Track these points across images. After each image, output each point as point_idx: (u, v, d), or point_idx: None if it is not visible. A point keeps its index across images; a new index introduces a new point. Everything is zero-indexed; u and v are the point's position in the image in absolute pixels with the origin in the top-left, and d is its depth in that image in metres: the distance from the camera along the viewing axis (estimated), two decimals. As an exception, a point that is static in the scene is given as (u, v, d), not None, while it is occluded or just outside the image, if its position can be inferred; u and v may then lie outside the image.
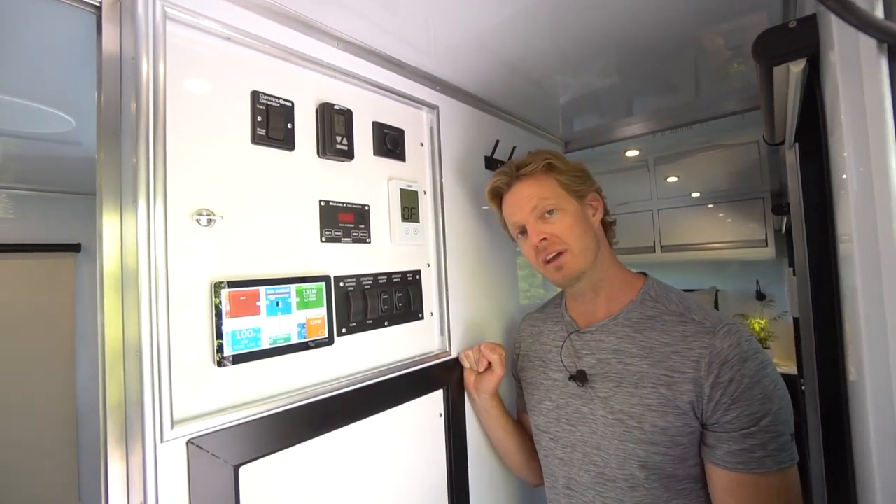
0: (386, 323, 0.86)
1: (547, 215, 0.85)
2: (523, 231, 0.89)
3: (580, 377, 0.84)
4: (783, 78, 0.59)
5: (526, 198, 0.87)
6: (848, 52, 0.38)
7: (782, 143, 0.99)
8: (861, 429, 0.47)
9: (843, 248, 0.50)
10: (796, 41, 0.51)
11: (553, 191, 0.86)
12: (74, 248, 1.88)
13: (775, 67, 0.55)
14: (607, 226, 0.93)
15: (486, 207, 1.16)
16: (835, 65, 0.41)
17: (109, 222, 0.53)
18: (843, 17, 0.31)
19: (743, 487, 0.68)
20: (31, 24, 0.65)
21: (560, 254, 0.83)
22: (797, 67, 0.53)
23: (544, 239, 0.84)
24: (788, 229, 1.81)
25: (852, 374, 0.51)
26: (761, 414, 0.68)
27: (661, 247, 2.79)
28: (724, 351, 0.71)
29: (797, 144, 0.93)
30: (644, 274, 0.91)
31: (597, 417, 0.81)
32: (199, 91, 0.63)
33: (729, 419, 0.69)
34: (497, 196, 0.94)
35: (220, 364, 0.61)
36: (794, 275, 1.13)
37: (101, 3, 0.55)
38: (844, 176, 0.43)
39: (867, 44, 0.34)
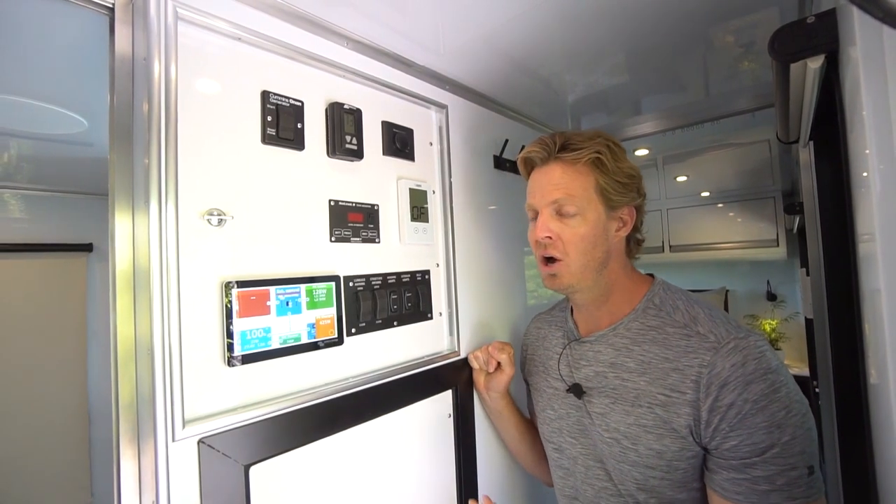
0: (395, 323, 0.85)
1: (564, 214, 0.77)
2: (536, 215, 0.81)
3: (575, 390, 0.80)
4: (800, 75, 0.58)
5: (552, 185, 0.77)
6: (870, 47, 0.37)
7: (796, 141, 0.97)
8: (883, 432, 0.46)
9: (864, 248, 0.49)
10: (814, 37, 0.50)
11: (584, 191, 0.75)
12: (86, 247, 1.90)
13: (792, 64, 0.54)
14: (631, 241, 0.83)
15: (493, 207, 1.16)
16: (856, 60, 0.40)
17: (122, 222, 0.53)
18: (866, 9, 0.30)
19: None
20: (44, 26, 0.66)
21: (557, 260, 0.77)
22: (815, 64, 0.52)
23: (548, 237, 0.77)
24: (801, 229, 1.79)
25: (873, 377, 0.50)
26: (766, 444, 0.60)
27: (671, 247, 2.77)
28: (726, 371, 0.63)
29: (812, 142, 0.91)
30: (652, 276, 0.84)
31: (595, 433, 0.77)
32: (210, 91, 0.63)
33: (728, 447, 0.62)
34: (528, 166, 0.85)
35: (230, 364, 0.61)
36: (808, 275, 1.12)
37: (113, 4, 0.55)
38: (865, 174, 0.42)
39: (892, 37, 0.34)
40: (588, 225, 0.75)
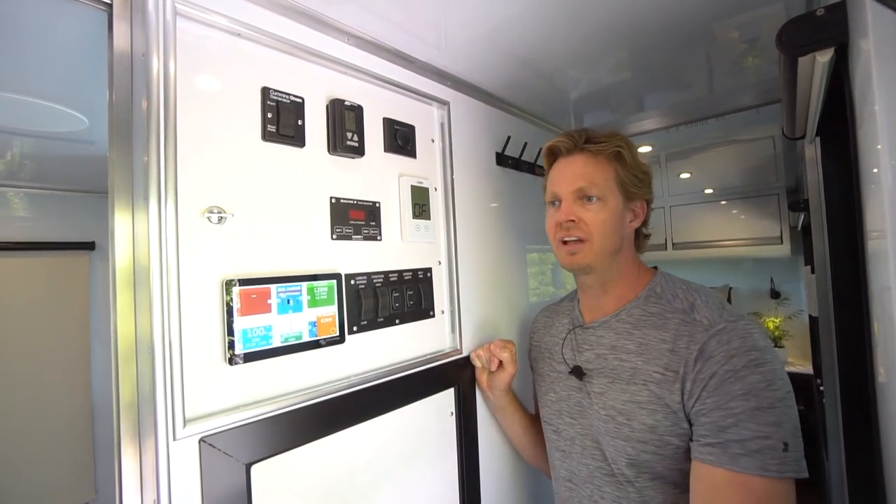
0: (397, 321, 0.85)
1: (587, 200, 0.81)
2: (556, 201, 0.85)
3: (577, 372, 0.84)
4: (808, 69, 0.57)
5: (577, 174, 0.82)
6: (883, 39, 0.36)
7: (802, 137, 0.96)
8: (892, 431, 0.46)
9: (873, 245, 0.48)
10: (824, 29, 0.49)
11: (606, 179, 0.81)
12: (89, 245, 1.90)
13: (800, 58, 0.53)
14: (640, 235, 0.89)
15: (495, 204, 1.15)
16: (867, 52, 0.39)
17: (122, 220, 0.53)
18: (882, 0, 0.30)
19: (710, 480, 0.63)
20: (43, 23, 0.66)
21: (579, 241, 0.81)
22: (824, 57, 0.51)
23: (572, 220, 0.81)
24: (806, 226, 1.77)
25: (882, 376, 0.49)
26: (740, 409, 0.62)
27: (673, 244, 2.76)
28: (712, 347, 0.68)
29: (818, 138, 0.90)
30: (656, 269, 0.88)
31: (593, 412, 0.80)
32: (209, 88, 0.63)
33: (704, 411, 0.66)
34: (552, 155, 0.89)
35: (231, 362, 0.61)
36: (813, 272, 1.11)
37: (112, 0, 0.55)
38: (875, 170, 0.42)
39: (906, 29, 0.33)
40: (608, 211, 0.80)
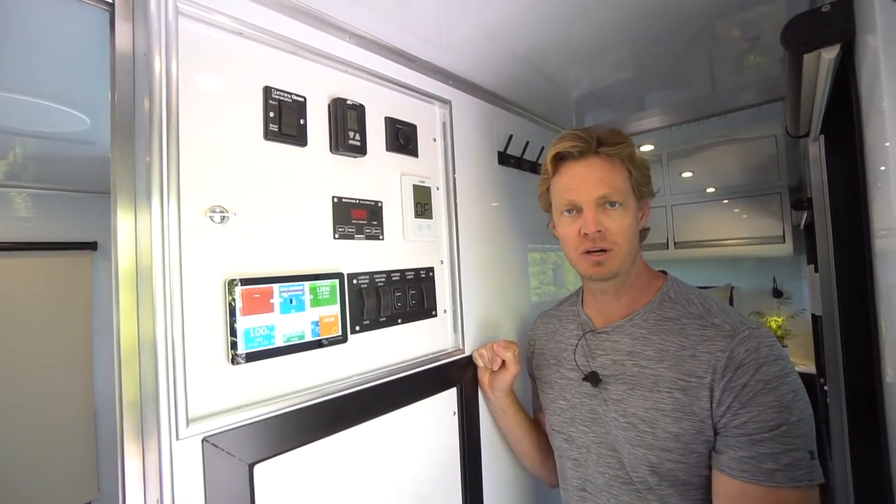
0: (399, 320, 0.85)
1: (609, 206, 0.78)
2: (573, 210, 0.81)
3: (592, 378, 0.82)
4: (813, 66, 0.57)
5: (597, 180, 0.78)
6: (891, 34, 0.35)
7: (806, 135, 0.96)
8: (899, 432, 0.45)
9: (880, 244, 0.48)
10: (830, 26, 0.48)
11: (625, 183, 0.79)
12: (91, 246, 1.90)
13: (805, 55, 0.53)
14: (642, 232, 0.88)
15: (496, 203, 1.15)
16: (875, 48, 0.39)
17: (124, 220, 0.52)
18: (890, -5, 0.29)
19: (748, 498, 0.63)
20: (45, 23, 0.65)
21: (605, 251, 0.78)
22: (830, 54, 0.51)
23: (599, 231, 0.77)
24: (809, 225, 1.77)
25: (889, 375, 0.49)
26: (775, 422, 0.62)
27: (675, 243, 2.75)
28: (741, 355, 0.67)
29: (822, 136, 0.90)
30: (664, 273, 0.87)
31: (610, 419, 0.79)
32: (211, 87, 0.63)
33: (738, 423, 0.65)
34: (560, 160, 0.83)
35: (233, 362, 0.60)
36: (816, 271, 1.10)
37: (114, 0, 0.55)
38: (883, 167, 0.41)
39: (915, 24, 0.32)
40: (630, 216, 0.79)
